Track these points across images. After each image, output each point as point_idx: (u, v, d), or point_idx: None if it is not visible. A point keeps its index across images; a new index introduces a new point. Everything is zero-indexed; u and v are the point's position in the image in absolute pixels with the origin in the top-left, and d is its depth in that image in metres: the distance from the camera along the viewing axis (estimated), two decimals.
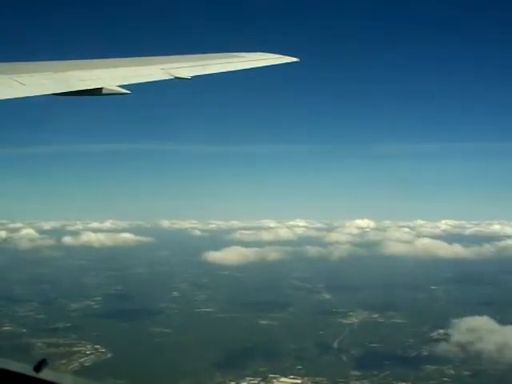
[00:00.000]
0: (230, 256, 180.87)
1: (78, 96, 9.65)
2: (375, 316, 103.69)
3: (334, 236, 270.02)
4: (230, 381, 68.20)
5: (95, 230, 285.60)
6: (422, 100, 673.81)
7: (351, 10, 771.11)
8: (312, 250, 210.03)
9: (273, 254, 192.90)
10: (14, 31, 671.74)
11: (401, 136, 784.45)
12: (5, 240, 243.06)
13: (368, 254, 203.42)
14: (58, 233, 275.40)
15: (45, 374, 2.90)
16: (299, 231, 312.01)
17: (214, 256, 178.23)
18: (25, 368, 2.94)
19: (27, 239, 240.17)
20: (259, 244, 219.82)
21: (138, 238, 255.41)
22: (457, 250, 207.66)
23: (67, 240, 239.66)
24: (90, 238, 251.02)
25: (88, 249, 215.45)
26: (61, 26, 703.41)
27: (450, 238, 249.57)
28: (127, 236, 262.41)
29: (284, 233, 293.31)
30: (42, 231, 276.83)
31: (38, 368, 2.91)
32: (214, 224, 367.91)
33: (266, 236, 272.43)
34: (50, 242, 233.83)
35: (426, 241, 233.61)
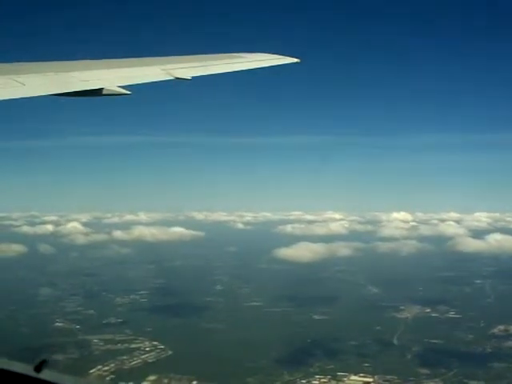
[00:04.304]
0: (300, 252, 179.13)
1: (78, 97, 9.92)
2: (428, 311, 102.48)
3: (387, 231, 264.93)
4: (300, 379, 67.56)
5: (137, 223, 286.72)
6: (435, 94, 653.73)
7: (351, 10, 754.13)
8: (383, 246, 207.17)
9: (343, 250, 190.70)
10: (14, 31, 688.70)
11: (400, 130, 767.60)
12: (52, 234, 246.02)
13: (439, 251, 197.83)
14: (97, 226, 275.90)
15: (45, 375, 2.97)
16: (345, 225, 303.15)
17: (285, 252, 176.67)
18: (25, 368, 3.00)
19: (79, 233, 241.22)
20: (314, 239, 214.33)
21: (191, 232, 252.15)
22: None
23: (118, 234, 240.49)
24: (141, 231, 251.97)
25: (140, 242, 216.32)
26: (61, 26, 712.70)
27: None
28: (179, 230, 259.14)
29: (334, 227, 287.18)
30: (83, 224, 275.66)
31: (38, 368, 2.97)
32: (249, 216, 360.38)
33: (319, 230, 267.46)
34: (102, 236, 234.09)
35: (499, 236, 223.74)
